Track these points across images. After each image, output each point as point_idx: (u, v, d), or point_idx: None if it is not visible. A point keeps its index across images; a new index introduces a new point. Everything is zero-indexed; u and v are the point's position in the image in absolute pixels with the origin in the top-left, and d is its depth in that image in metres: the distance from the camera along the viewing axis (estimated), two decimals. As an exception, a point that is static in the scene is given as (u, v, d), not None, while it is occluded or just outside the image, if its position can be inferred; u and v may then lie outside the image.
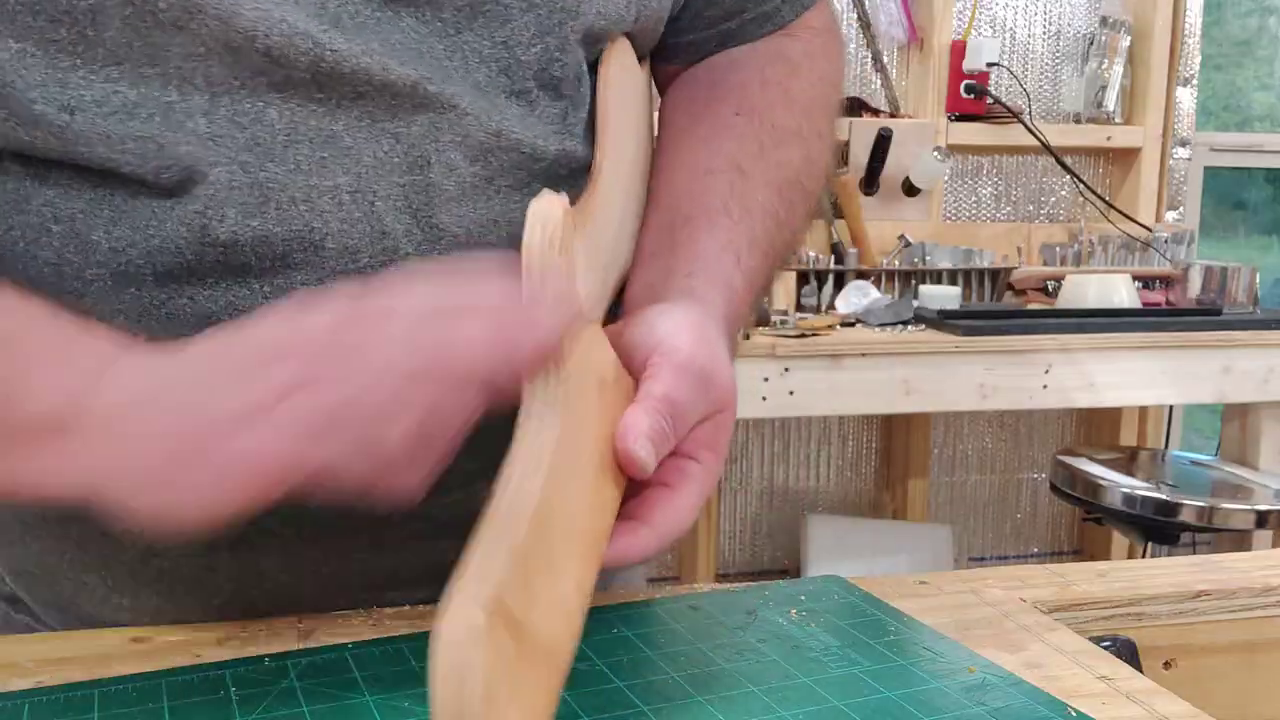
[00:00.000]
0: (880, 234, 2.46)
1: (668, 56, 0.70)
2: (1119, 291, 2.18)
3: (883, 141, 2.41)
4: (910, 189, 2.49)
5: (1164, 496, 1.93)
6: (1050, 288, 2.29)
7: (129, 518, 0.41)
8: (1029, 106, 2.59)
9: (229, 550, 0.55)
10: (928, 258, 2.39)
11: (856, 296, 2.18)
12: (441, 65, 0.53)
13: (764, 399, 1.92)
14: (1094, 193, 2.62)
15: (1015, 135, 2.52)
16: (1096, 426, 2.74)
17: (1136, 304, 2.21)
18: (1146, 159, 2.65)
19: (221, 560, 0.56)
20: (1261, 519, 1.91)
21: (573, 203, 0.49)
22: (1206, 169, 2.87)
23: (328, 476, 0.40)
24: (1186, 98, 2.68)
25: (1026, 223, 2.69)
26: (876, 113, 2.54)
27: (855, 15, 2.54)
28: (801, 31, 0.70)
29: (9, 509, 0.57)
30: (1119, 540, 2.62)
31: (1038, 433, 2.78)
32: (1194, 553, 2.23)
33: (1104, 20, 2.64)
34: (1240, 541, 2.14)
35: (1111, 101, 2.63)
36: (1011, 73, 2.61)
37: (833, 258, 2.42)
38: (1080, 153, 2.69)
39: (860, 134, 2.46)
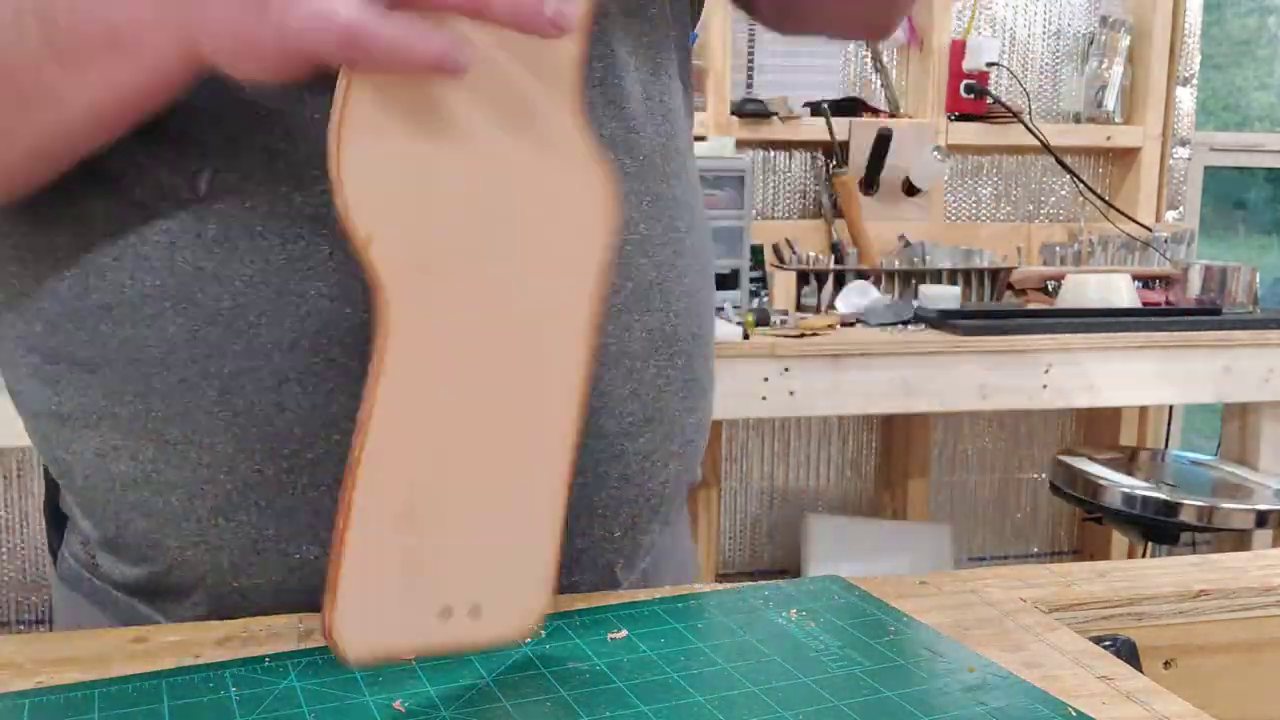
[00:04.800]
0: (880, 234, 2.46)
1: None
2: (1119, 291, 2.18)
3: (882, 141, 2.41)
4: (910, 189, 2.49)
5: (1164, 496, 1.93)
6: (1050, 287, 2.30)
7: (222, 65, 0.46)
8: (1029, 106, 2.59)
9: (299, 384, 0.54)
10: (928, 258, 2.39)
11: (856, 296, 2.18)
12: None
13: (764, 399, 1.92)
14: (1094, 193, 2.61)
15: (1015, 135, 2.52)
16: (1096, 426, 2.74)
17: (1136, 304, 2.21)
18: (1146, 159, 2.65)
19: (291, 395, 0.54)
20: (1261, 519, 1.91)
21: None
22: (1206, 169, 2.87)
23: (390, 54, 0.42)
24: (1186, 97, 2.68)
25: (1026, 223, 2.70)
26: (876, 113, 2.54)
27: (855, 15, 2.54)
28: None
29: (100, 380, 0.55)
30: (1119, 540, 2.62)
31: (1038, 433, 2.78)
32: (1194, 553, 2.23)
33: (1104, 20, 2.64)
34: (1240, 541, 2.15)
35: (1111, 101, 2.63)
36: (1011, 73, 2.61)
37: (833, 258, 2.42)
38: (1080, 152, 2.69)
39: (860, 134, 2.46)
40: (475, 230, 0.47)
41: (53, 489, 0.65)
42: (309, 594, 0.56)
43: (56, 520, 0.66)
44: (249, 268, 0.53)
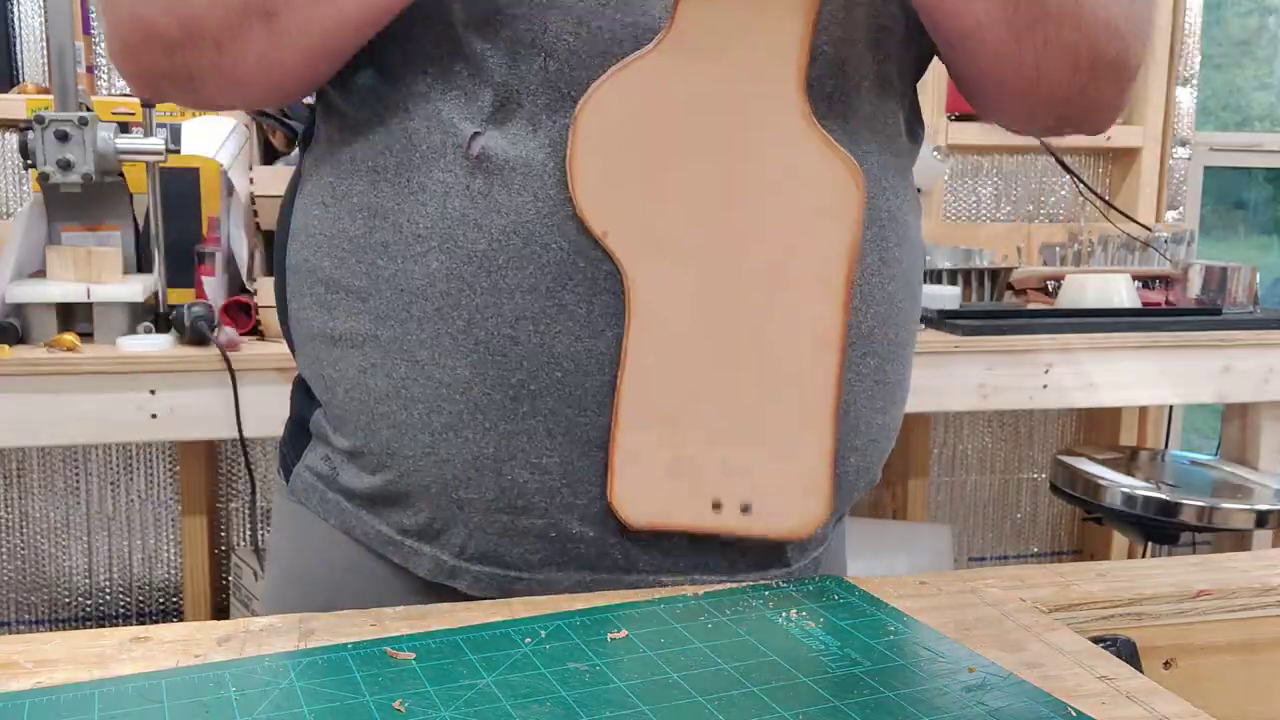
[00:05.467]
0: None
1: None
2: (1119, 291, 2.18)
3: (883, 141, 2.40)
4: (910, 189, 2.49)
5: (1164, 496, 1.93)
6: (1050, 288, 2.29)
7: None
8: (1029, 106, 2.59)
9: (532, 323, 0.62)
10: (927, 257, 2.39)
11: (856, 296, 2.18)
12: None
13: (764, 399, 1.91)
14: (1094, 193, 2.61)
15: (1015, 135, 2.52)
16: (1096, 426, 2.74)
17: (1136, 304, 2.20)
18: (1146, 159, 2.65)
19: (524, 331, 0.62)
20: (1261, 519, 1.91)
21: None
22: (1206, 169, 2.87)
23: None
24: (1186, 97, 2.68)
25: (1026, 222, 2.70)
26: (876, 113, 2.54)
27: (855, 15, 2.54)
28: None
29: (369, 308, 0.65)
30: (1119, 540, 2.62)
31: (1038, 433, 2.78)
32: (1194, 553, 2.23)
33: (1104, 20, 2.64)
34: (1240, 541, 2.14)
35: (1111, 101, 2.63)
36: (1011, 73, 2.61)
37: (833, 258, 2.41)
38: (1080, 152, 2.69)
39: (860, 134, 2.46)
40: (703, 213, 0.61)
41: (303, 411, 0.73)
42: (514, 515, 0.65)
43: (297, 442, 0.74)
44: (504, 218, 0.62)
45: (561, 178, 0.61)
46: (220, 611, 2.29)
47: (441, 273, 0.63)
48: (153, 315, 1.74)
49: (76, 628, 2.29)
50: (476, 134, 0.62)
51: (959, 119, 2.53)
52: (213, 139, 1.85)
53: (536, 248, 0.62)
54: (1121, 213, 2.62)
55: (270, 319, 1.75)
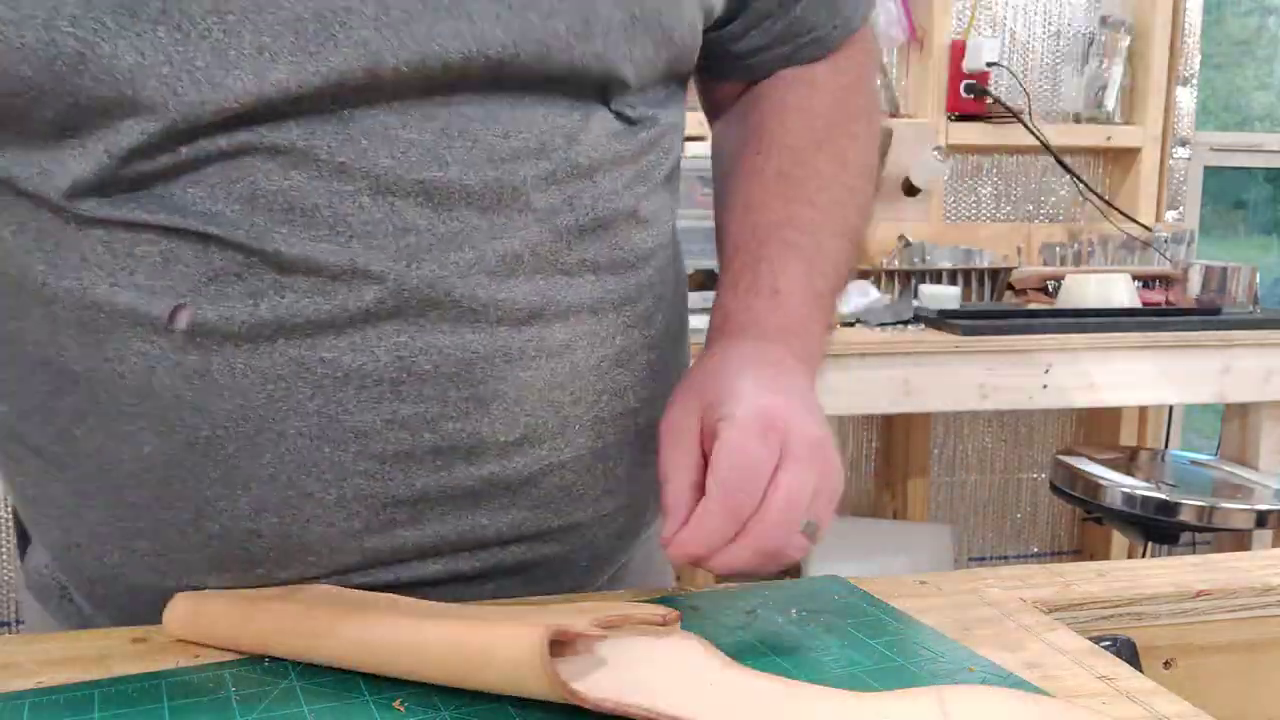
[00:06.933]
0: (880, 234, 2.46)
1: (723, 74, 0.73)
2: (1119, 291, 2.18)
3: (882, 141, 2.41)
4: (910, 189, 2.49)
5: (1164, 496, 1.93)
6: (1050, 288, 2.29)
7: None
8: (1029, 106, 2.59)
9: (275, 514, 0.55)
10: (928, 257, 2.39)
11: (856, 296, 2.18)
12: None
13: (764, 399, 1.91)
14: (1094, 192, 2.61)
15: (1015, 135, 2.52)
16: (1096, 426, 2.74)
17: (1136, 304, 2.20)
18: (1146, 159, 2.65)
19: (267, 523, 0.55)
20: (1261, 519, 1.91)
21: None
22: (1206, 169, 2.87)
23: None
24: (1186, 97, 2.68)
25: (1026, 222, 2.69)
26: (876, 113, 2.53)
27: (855, 15, 2.54)
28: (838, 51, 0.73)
29: (67, 479, 0.57)
30: (1119, 540, 2.62)
31: (1038, 433, 2.78)
32: (1194, 553, 2.22)
33: (1104, 20, 2.64)
34: (1240, 541, 2.14)
35: (1111, 101, 2.63)
36: (1011, 72, 2.61)
37: (833, 258, 2.41)
38: (1080, 152, 2.69)
39: (860, 134, 2.45)
40: None
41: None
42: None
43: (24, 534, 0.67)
44: (228, 403, 0.53)
45: (295, 355, 0.52)
46: (220, 611, 2.29)
47: (159, 458, 0.54)
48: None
49: (76, 628, 2.28)
50: (180, 306, 0.51)
51: (959, 119, 2.53)
52: None
53: (272, 435, 0.53)
54: (1121, 213, 2.62)
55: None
